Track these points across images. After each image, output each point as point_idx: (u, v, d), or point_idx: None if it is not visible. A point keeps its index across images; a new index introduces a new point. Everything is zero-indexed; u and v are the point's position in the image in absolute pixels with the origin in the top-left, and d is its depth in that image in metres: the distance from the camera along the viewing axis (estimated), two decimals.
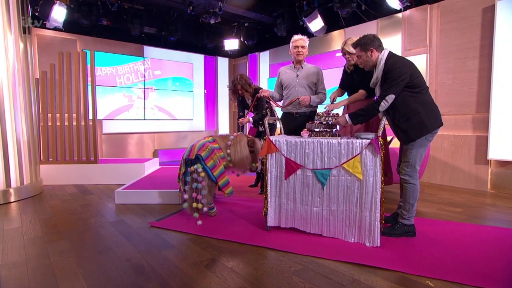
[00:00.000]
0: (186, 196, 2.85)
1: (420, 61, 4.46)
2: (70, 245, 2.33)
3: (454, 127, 4.29)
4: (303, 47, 3.05)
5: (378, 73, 2.36)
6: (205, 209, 2.82)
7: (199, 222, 2.71)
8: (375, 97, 2.48)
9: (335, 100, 2.89)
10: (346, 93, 3.05)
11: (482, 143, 3.99)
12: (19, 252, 2.23)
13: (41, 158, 4.53)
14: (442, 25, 4.36)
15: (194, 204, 2.79)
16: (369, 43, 2.36)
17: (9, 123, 3.65)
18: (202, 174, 2.80)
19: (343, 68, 3.04)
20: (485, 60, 3.97)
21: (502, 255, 2.10)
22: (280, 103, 3.31)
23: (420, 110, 2.29)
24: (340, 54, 4.58)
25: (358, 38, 2.45)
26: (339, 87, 3.06)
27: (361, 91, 2.80)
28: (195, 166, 2.81)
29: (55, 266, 2.00)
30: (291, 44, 3.11)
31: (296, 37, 3.09)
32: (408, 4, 4.54)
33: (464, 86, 4.18)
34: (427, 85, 4.48)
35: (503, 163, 3.88)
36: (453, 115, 4.29)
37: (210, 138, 3.18)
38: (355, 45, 2.47)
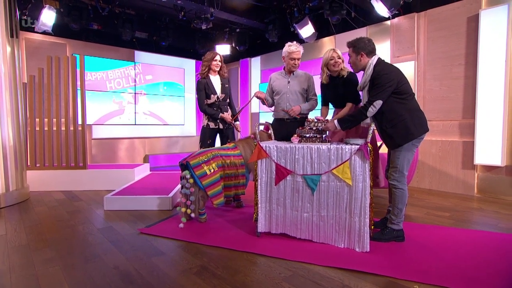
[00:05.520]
0: (178, 200, 2.88)
1: (408, 68, 4.55)
2: (56, 253, 2.28)
3: (441, 133, 4.37)
4: (299, 59, 3.04)
5: (366, 78, 2.41)
6: (193, 215, 2.84)
7: (181, 225, 2.79)
8: (361, 103, 2.52)
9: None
10: (331, 105, 3.02)
11: (469, 149, 4.08)
12: (3, 261, 2.17)
13: (28, 163, 4.43)
14: (429, 33, 4.46)
15: (183, 209, 2.81)
16: (362, 47, 2.41)
17: None
18: (191, 180, 2.79)
19: (320, 84, 2.95)
20: (470, 67, 4.07)
21: (490, 258, 2.13)
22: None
23: (406, 117, 2.34)
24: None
25: (355, 38, 2.48)
26: (323, 105, 3.00)
27: (348, 105, 2.79)
28: (184, 173, 2.82)
29: (40, 276, 1.95)
30: (287, 54, 3.01)
31: (293, 48, 2.98)
32: (396, 12, 4.64)
33: (450, 93, 4.28)
34: (415, 91, 4.58)
35: (488, 168, 3.96)
36: (441, 120, 4.37)
37: (232, 144, 3.18)
38: (349, 44, 2.50)
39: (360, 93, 2.68)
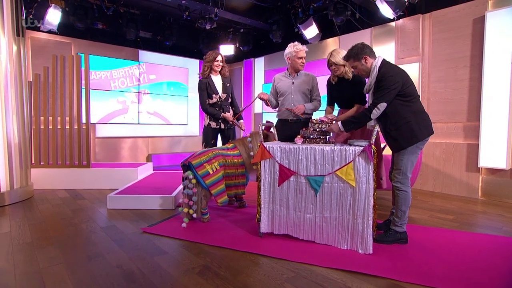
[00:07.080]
0: (180, 200, 2.89)
1: (412, 70, 4.53)
2: (60, 251, 2.29)
3: (446, 135, 4.35)
4: (305, 57, 3.07)
5: (371, 80, 2.40)
6: (195, 215, 2.85)
7: (183, 225, 2.79)
8: (366, 104, 2.50)
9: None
10: (336, 104, 3.03)
11: (473, 151, 4.05)
12: (7, 258, 2.19)
13: (33, 161, 4.47)
14: (434, 35, 4.44)
15: (186, 210, 2.82)
16: (360, 52, 2.39)
17: (0, 125, 3.60)
18: (194, 181, 2.80)
19: (326, 82, 2.98)
20: (475, 70, 4.04)
21: (493, 262, 2.12)
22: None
23: (411, 119, 2.32)
24: None
25: (348, 50, 2.47)
26: (328, 104, 3.01)
27: (356, 106, 2.80)
28: (186, 173, 2.82)
29: (44, 273, 1.97)
30: (293, 54, 3.01)
31: (300, 46, 3.00)
32: (401, 13, 4.63)
33: (455, 95, 4.25)
34: (420, 93, 4.55)
35: (493, 171, 3.93)
36: (445, 123, 4.35)
37: (231, 144, 3.18)
38: (346, 57, 2.50)
39: (367, 95, 2.67)
